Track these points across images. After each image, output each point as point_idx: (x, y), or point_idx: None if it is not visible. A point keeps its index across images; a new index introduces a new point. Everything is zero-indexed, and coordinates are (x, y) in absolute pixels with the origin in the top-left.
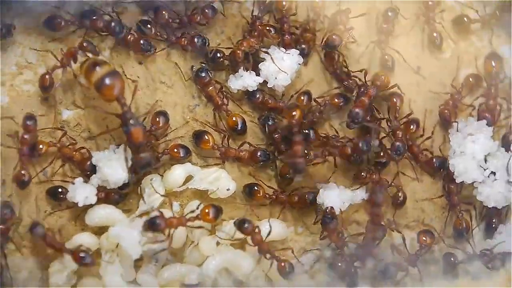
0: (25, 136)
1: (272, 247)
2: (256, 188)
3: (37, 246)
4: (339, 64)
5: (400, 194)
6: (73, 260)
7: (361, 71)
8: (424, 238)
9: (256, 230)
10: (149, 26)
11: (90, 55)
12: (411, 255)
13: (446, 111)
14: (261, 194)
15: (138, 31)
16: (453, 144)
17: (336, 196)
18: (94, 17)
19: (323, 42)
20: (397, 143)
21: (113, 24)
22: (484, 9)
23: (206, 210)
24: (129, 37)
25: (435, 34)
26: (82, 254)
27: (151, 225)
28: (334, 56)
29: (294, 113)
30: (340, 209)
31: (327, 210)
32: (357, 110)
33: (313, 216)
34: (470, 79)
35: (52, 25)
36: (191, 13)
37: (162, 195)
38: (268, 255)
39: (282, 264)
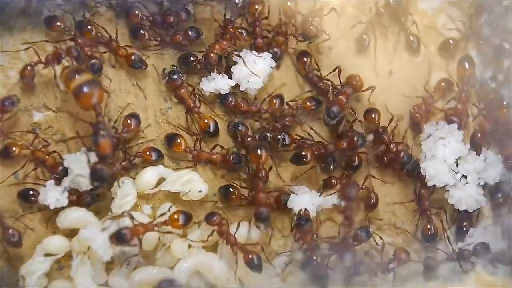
0: None
1: None
2: (231, 189)
3: (7, 249)
4: (311, 67)
5: (372, 196)
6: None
7: (334, 70)
8: (399, 255)
9: (223, 222)
10: (141, 31)
11: (74, 62)
12: (383, 263)
13: (417, 115)
14: (236, 195)
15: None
16: (424, 147)
17: (307, 201)
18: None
19: (299, 35)
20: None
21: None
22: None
23: (175, 216)
24: (121, 51)
25: (411, 38)
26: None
27: (119, 239)
28: (306, 60)
29: (259, 152)
30: (315, 212)
31: (302, 213)
32: (334, 107)
33: (284, 219)
34: (442, 84)
35: (52, 25)
36: (164, 13)
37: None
38: (235, 247)
39: (249, 256)
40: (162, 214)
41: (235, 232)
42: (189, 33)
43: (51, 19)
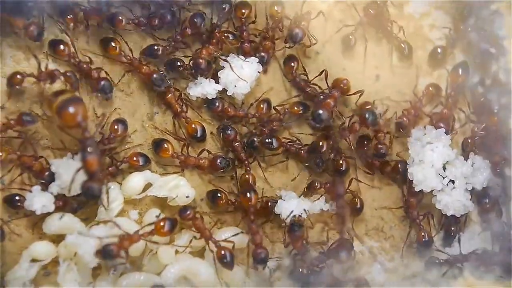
0: None
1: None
2: (219, 194)
3: None
4: (298, 71)
5: (357, 200)
6: None
7: (320, 74)
8: None
9: (197, 216)
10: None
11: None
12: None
13: (404, 118)
14: (223, 200)
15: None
16: (412, 152)
17: (294, 206)
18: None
19: (286, 37)
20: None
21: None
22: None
23: (161, 224)
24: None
25: (402, 45)
26: None
27: (106, 255)
28: (293, 64)
29: (249, 195)
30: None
31: (295, 218)
32: (321, 110)
33: (272, 225)
34: (431, 88)
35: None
36: (148, 16)
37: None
38: (210, 243)
39: (222, 252)
40: (149, 224)
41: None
42: (195, 20)
43: (55, 43)
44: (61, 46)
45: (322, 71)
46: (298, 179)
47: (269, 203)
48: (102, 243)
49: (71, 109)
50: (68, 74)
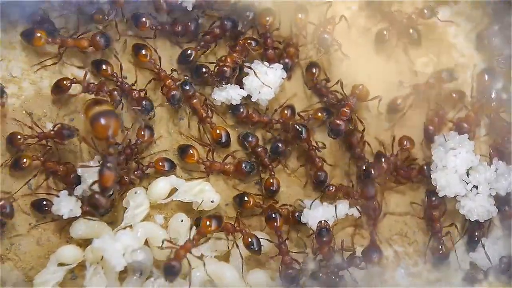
0: None
1: (255, 260)
2: (246, 198)
3: (22, 258)
4: (319, 78)
5: (377, 205)
6: None
7: (336, 83)
8: None
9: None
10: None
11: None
12: None
13: (430, 127)
14: (251, 203)
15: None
16: (435, 158)
17: (320, 215)
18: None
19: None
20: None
21: None
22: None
23: (207, 223)
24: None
25: (411, 31)
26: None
27: (171, 273)
28: (314, 71)
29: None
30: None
31: (323, 224)
32: (338, 121)
33: (297, 230)
34: (454, 95)
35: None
36: (172, 23)
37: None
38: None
39: (249, 239)
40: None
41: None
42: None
43: (99, 63)
44: (104, 66)
45: (337, 81)
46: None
47: (296, 213)
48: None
49: (104, 122)
50: (114, 92)
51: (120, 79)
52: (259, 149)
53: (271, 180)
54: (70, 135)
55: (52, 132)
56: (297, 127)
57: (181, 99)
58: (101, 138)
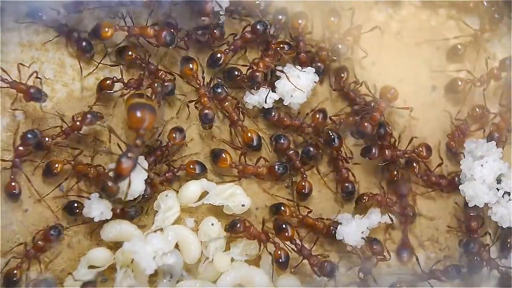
0: (20, 148)
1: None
2: (283, 208)
3: (52, 260)
4: (347, 82)
5: (409, 209)
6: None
7: (361, 84)
8: None
9: (247, 224)
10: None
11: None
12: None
13: (452, 143)
14: (287, 213)
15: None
16: (463, 168)
17: (354, 229)
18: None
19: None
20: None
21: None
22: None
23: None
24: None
25: (459, 47)
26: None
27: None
28: (342, 75)
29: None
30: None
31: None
32: (366, 124)
33: (330, 242)
34: (477, 109)
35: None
36: (212, 29)
37: None
38: (267, 243)
39: (278, 252)
40: None
41: None
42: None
43: (122, 50)
44: (129, 52)
45: (361, 82)
46: None
47: (331, 228)
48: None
49: (139, 114)
50: (155, 84)
51: (144, 60)
52: (291, 152)
53: (303, 183)
54: (94, 120)
55: (77, 123)
56: (331, 134)
57: (213, 120)
58: (134, 128)
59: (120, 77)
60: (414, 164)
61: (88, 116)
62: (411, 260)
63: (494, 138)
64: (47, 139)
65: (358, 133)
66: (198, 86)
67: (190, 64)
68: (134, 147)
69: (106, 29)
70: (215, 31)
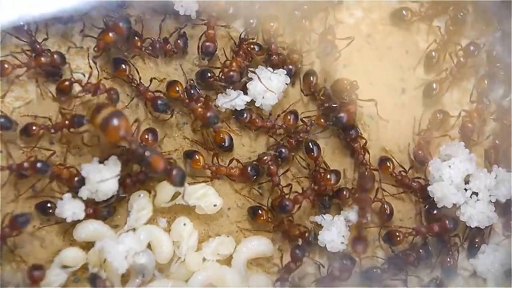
0: None
1: (258, 264)
2: (259, 211)
3: (25, 260)
4: (316, 86)
5: (386, 207)
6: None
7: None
8: None
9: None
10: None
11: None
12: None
13: (420, 151)
14: (264, 218)
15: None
16: (431, 170)
17: (336, 234)
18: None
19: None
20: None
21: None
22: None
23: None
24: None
25: (433, 53)
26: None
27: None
28: (312, 78)
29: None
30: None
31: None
32: (342, 114)
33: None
34: (438, 115)
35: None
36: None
37: None
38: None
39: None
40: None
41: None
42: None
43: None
44: (123, 66)
45: (322, 87)
46: None
47: (306, 234)
48: None
49: (115, 124)
50: (111, 91)
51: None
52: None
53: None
54: (80, 122)
55: (66, 122)
56: (310, 145)
57: (167, 110)
58: (117, 141)
59: (79, 78)
60: (388, 163)
61: (75, 119)
62: (365, 252)
63: (468, 130)
64: (34, 127)
65: (336, 121)
66: (135, 85)
67: (123, 65)
68: (138, 148)
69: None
70: (179, 41)
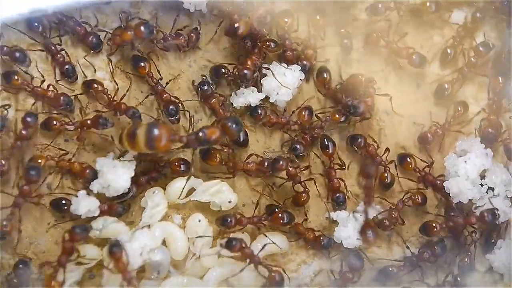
0: (23, 132)
1: (273, 260)
2: (276, 210)
3: (40, 257)
4: (330, 83)
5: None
6: None
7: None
8: None
9: (243, 245)
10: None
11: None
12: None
13: (429, 134)
14: (281, 218)
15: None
16: (447, 165)
17: (352, 231)
18: None
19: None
20: None
21: None
22: None
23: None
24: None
25: (448, 51)
26: None
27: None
28: (325, 76)
29: None
30: None
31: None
32: (359, 103)
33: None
34: (459, 108)
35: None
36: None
37: None
38: (259, 267)
39: (272, 274)
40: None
41: (260, 251)
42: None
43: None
44: (142, 64)
45: (339, 83)
46: None
47: (321, 238)
48: None
49: (157, 135)
50: (131, 111)
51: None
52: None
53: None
54: (105, 124)
55: (88, 121)
56: (325, 141)
57: (178, 113)
58: (167, 151)
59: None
60: (409, 159)
61: (100, 120)
62: (375, 241)
63: (488, 135)
64: (54, 122)
65: (353, 108)
66: (153, 84)
67: (142, 63)
68: (192, 140)
69: None
70: (192, 34)
